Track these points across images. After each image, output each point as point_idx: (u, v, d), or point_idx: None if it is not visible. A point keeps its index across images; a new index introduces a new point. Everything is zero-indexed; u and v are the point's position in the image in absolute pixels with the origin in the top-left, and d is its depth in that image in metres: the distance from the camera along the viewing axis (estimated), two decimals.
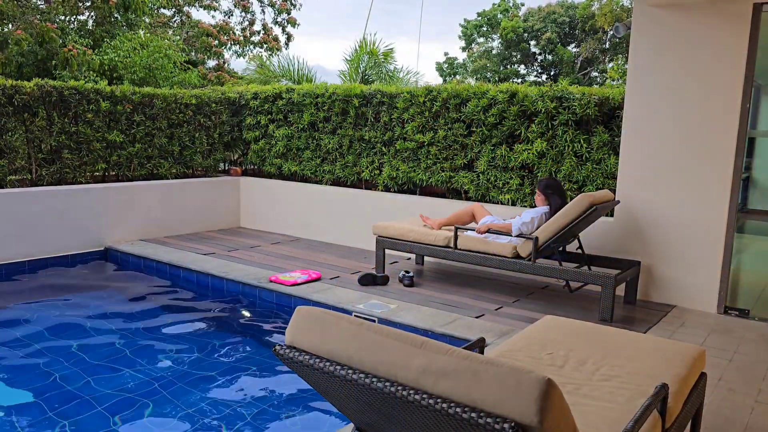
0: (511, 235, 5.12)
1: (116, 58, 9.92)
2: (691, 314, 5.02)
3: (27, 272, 6.24)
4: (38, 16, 10.39)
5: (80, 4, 10.76)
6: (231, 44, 13.88)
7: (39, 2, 11.05)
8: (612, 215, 5.54)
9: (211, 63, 13.75)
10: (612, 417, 2.13)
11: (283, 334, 4.80)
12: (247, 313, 5.50)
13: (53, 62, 9.90)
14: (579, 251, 5.33)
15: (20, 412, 3.51)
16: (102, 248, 6.89)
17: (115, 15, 11.20)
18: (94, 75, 9.67)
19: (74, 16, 11.15)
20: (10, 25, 10.04)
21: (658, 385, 2.18)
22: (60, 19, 10.94)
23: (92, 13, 11.36)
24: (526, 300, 5.26)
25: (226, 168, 9.10)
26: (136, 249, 6.76)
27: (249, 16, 14.81)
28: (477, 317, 4.70)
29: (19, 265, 6.21)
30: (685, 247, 5.14)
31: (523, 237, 4.99)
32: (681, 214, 5.13)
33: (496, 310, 4.94)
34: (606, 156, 5.64)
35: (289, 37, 14.94)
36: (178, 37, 12.61)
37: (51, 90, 6.61)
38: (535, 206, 5.31)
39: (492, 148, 6.28)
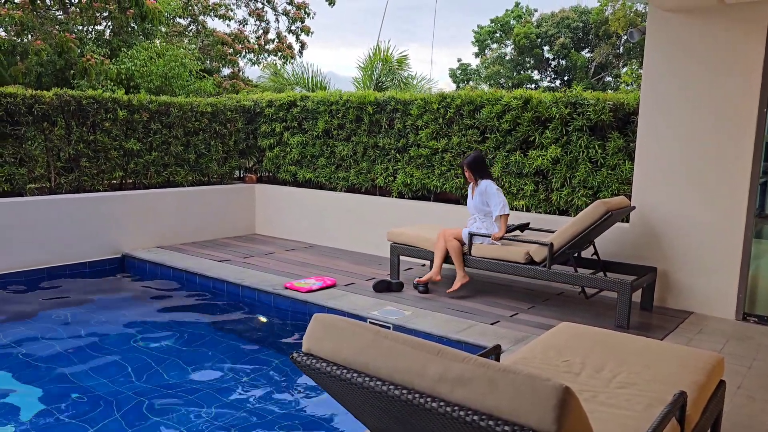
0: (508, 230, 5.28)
1: (133, 68, 10.05)
2: (709, 321, 4.97)
3: (46, 279, 6.32)
4: (57, 27, 10.55)
5: (98, 15, 10.92)
6: (245, 52, 14.00)
7: (58, 13, 11.22)
8: (628, 221, 5.51)
9: (226, 71, 13.87)
10: (630, 425, 2.12)
11: (299, 340, 4.82)
12: (262, 320, 5.53)
13: (72, 72, 10.05)
14: (594, 257, 5.30)
15: (38, 418, 3.56)
16: (119, 255, 6.97)
17: (132, 25, 11.35)
18: (112, 84, 9.80)
19: (92, 26, 11.31)
20: (30, 36, 10.20)
21: (676, 393, 2.17)
22: (78, 30, 11.10)
23: (110, 24, 11.52)
24: (541, 306, 5.24)
25: (241, 175, 9.17)
26: (152, 256, 6.82)
27: (263, 24, 14.93)
28: (492, 324, 4.69)
29: (38, 272, 6.30)
30: (703, 252, 5.10)
31: (541, 243, 4.99)
32: (698, 220, 5.09)
33: (511, 316, 4.93)
34: (621, 162, 5.62)
35: (302, 45, 15.04)
36: (194, 46, 12.75)
37: (70, 99, 6.70)
38: (472, 184, 5.52)
39: (506, 154, 6.27)
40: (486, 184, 5.37)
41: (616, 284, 4.66)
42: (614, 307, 4.99)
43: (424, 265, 6.69)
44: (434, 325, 4.60)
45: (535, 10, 27.18)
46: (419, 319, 4.72)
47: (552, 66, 26.21)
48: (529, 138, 6.13)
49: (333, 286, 5.70)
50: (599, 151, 5.72)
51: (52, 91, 6.66)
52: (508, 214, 5.26)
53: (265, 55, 14.56)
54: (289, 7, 14.76)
